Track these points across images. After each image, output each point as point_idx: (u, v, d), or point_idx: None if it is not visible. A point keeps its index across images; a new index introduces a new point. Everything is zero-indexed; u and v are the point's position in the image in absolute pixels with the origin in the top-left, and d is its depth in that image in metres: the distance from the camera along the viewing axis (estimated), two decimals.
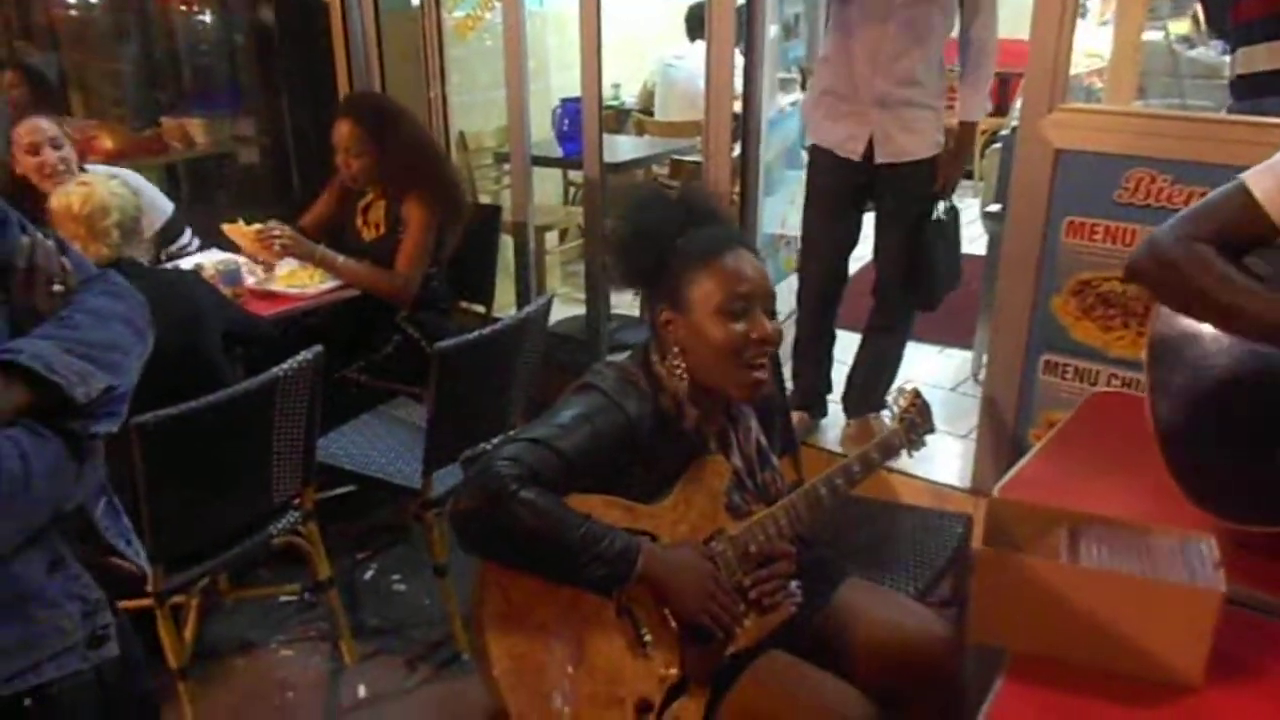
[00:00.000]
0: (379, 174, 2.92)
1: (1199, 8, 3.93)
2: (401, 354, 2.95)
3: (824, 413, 3.20)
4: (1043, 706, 1.19)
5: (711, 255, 1.47)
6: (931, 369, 3.69)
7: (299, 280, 2.87)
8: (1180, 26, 4.77)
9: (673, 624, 1.42)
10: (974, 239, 3.86)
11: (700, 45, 4.53)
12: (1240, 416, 1.44)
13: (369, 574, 2.84)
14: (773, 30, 3.48)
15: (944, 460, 2.99)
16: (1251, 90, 2.68)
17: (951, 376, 3.65)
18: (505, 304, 3.73)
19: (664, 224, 1.52)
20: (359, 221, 3.05)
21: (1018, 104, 4.20)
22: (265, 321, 2.58)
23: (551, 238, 4.45)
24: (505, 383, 2.51)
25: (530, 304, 3.72)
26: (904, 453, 1.77)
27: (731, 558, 1.48)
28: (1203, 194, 2.21)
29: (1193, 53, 3.88)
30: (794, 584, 1.55)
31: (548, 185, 4.81)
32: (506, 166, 4.17)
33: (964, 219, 3.15)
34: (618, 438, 1.43)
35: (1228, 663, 1.19)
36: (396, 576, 2.82)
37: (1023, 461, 1.70)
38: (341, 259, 2.87)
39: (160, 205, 3.16)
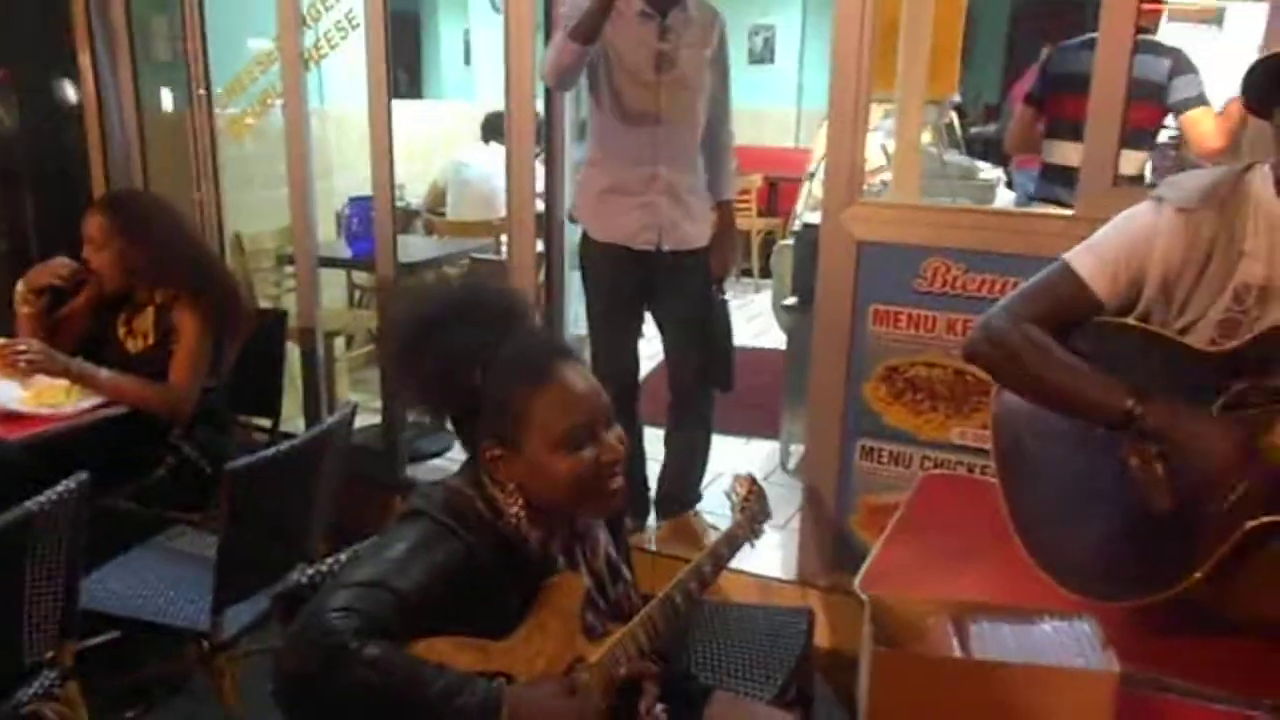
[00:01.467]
0: (129, 272, 2.65)
1: (954, 116, 4.34)
2: (177, 477, 2.63)
3: (645, 512, 3.11)
4: None
5: (538, 379, 1.32)
6: (740, 461, 3.70)
7: (51, 398, 2.51)
8: (925, 136, 5.28)
9: None
10: (763, 331, 3.98)
11: (494, 147, 4.54)
12: (1086, 493, 1.46)
13: None
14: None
15: (765, 552, 2.95)
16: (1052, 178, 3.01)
17: (761, 467, 3.68)
18: (291, 416, 3.44)
19: (469, 345, 1.33)
20: (122, 332, 2.73)
21: (796, 206, 4.44)
22: (13, 446, 2.22)
23: (338, 344, 4.20)
24: (305, 504, 2.27)
25: (322, 415, 3.49)
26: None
27: (595, 687, 1.33)
28: (993, 281, 2.39)
29: (950, 157, 4.23)
30: (660, 707, 1.42)
31: (332, 289, 4.56)
32: (289, 269, 3.92)
33: (755, 312, 3.24)
34: (458, 569, 1.26)
35: None
36: None
37: (873, 553, 1.67)
38: (105, 373, 2.54)
39: None
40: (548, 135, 3.16)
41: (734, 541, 1.67)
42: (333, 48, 3.40)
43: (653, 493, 3.14)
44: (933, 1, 2.87)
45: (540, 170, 3.21)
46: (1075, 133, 2.35)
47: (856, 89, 2.40)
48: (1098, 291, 1.48)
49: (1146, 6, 2.80)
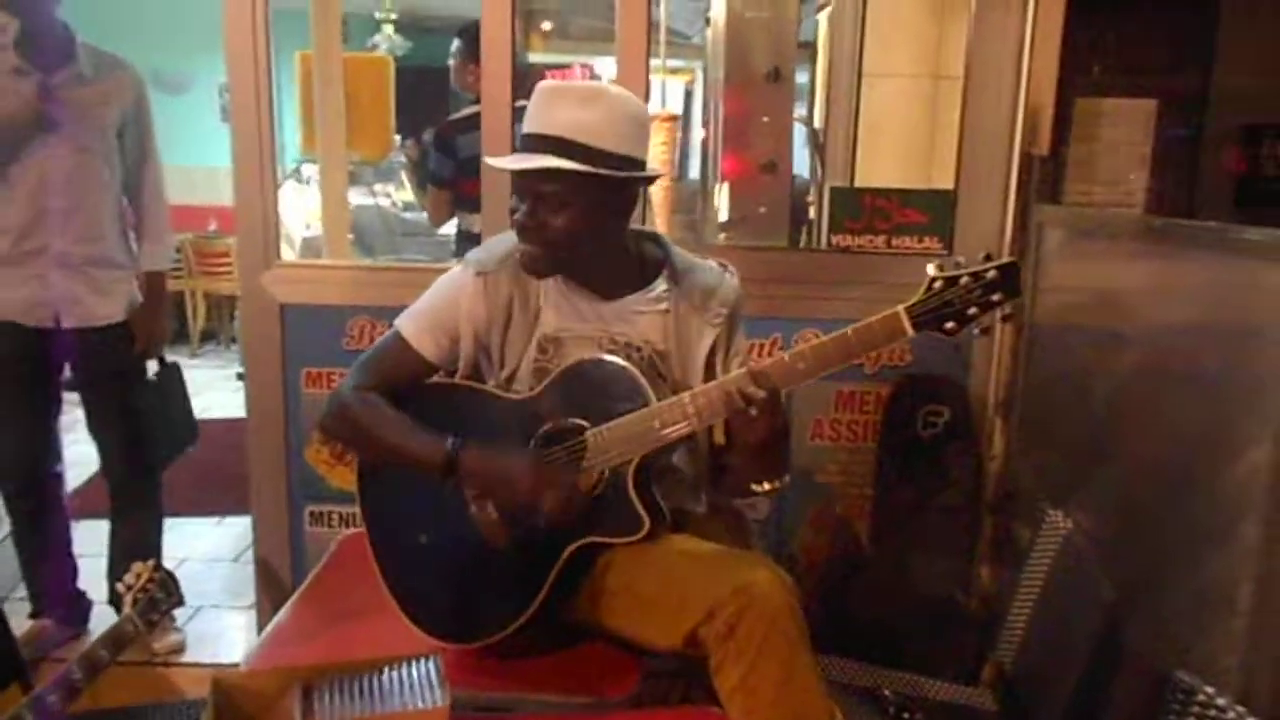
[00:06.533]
0: None
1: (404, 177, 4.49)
2: None
3: (83, 617, 2.77)
4: None
5: None
6: (210, 543, 3.46)
7: None
8: (405, 195, 5.41)
9: None
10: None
11: None
12: (442, 544, 1.54)
13: None
14: None
15: (230, 639, 2.79)
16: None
17: (232, 547, 3.45)
18: None
19: None
20: None
21: None
22: None
23: None
24: None
25: None
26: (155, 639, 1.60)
27: None
28: None
29: (408, 215, 4.36)
30: None
31: None
32: None
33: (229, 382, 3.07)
34: None
35: None
36: None
37: (274, 622, 1.62)
38: None
39: None
40: None
41: (118, 640, 1.53)
42: None
43: (105, 595, 2.81)
44: (343, 71, 2.92)
45: None
46: (477, 206, 2.51)
47: (260, 151, 2.36)
48: (423, 352, 1.60)
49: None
